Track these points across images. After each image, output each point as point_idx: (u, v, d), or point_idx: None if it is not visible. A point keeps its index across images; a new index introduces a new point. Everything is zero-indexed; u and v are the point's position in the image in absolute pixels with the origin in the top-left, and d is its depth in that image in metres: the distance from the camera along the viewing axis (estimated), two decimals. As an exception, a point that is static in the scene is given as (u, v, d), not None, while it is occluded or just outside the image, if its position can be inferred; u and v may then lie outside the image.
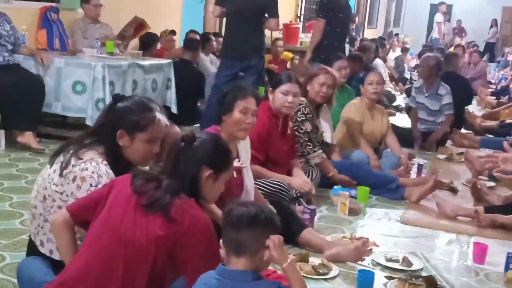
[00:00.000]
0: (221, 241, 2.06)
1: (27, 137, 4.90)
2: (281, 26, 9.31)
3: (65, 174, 2.33)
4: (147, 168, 2.61)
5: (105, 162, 2.35)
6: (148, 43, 6.93)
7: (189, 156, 2.12)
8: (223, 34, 6.74)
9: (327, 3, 6.50)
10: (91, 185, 2.28)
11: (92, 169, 2.30)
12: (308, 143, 4.16)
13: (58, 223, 2.17)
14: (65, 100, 5.12)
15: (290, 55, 9.29)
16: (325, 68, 4.49)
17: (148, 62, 5.82)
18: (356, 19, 14.25)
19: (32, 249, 2.51)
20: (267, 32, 6.45)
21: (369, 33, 16.73)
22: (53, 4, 6.12)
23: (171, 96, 6.07)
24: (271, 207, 2.84)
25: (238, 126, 3.12)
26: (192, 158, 2.13)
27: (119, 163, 2.40)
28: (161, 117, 2.46)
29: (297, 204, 3.71)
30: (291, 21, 11.15)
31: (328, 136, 4.55)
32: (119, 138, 2.38)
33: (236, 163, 2.94)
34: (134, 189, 2.07)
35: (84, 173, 2.29)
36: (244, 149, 3.31)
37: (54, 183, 2.35)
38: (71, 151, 2.37)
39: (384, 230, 3.74)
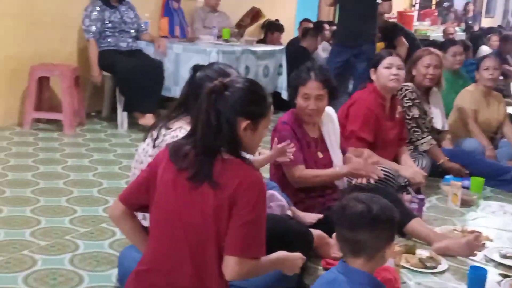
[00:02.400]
0: (333, 235, 1.81)
1: (148, 119, 4.93)
2: (395, 14, 8.89)
3: (157, 144, 2.27)
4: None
5: None
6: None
7: (222, 109, 1.79)
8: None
9: None
10: None
11: (182, 136, 2.20)
12: (416, 129, 3.83)
13: (116, 215, 1.98)
14: (183, 84, 5.07)
15: (404, 43, 8.83)
16: (428, 49, 4.12)
17: (260, 48, 5.69)
18: (471, 6, 13.37)
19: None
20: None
21: (487, 22, 15.63)
22: (176, -6, 6.14)
23: (282, 82, 5.91)
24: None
25: (302, 111, 2.95)
26: (225, 110, 1.78)
27: None
28: None
29: (404, 193, 3.39)
30: (405, 9, 10.74)
31: (438, 122, 4.16)
32: None
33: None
34: (177, 166, 1.82)
35: (175, 140, 2.20)
36: (331, 130, 3.10)
37: (149, 154, 2.31)
38: (161, 124, 2.32)
39: (498, 224, 3.34)
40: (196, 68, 2.37)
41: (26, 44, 4.75)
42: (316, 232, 2.62)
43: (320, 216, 2.79)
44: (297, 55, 6.11)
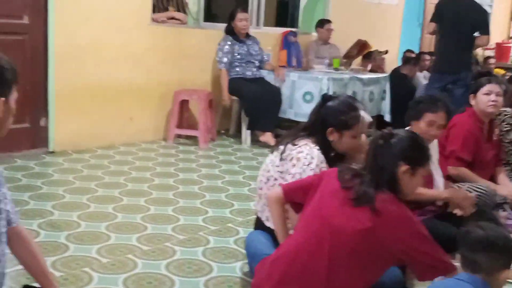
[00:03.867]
0: (457, 255, 1.81)
1: (267, 137, 5.03)
2: (493, 45, 8.40)
3: (284, 158, 2.33)
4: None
5: (317, 147, 2.30)
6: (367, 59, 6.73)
7: (386, 153, 1.86)
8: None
9: None
10: (304, 164, 2.24)
11: (306, 152, 2.28)
12: (514, 152, 3.58)
13: (272, 197, 2.12)
14: (297, 107, 5.14)
15: (502, 71, 8.33)
16: None
17: (367, 76, 5.61)
18: None
19: (259, 224, 2.51)
20: (478, 50, 5.82)
21: None
22: (293, 29, 6.24)
23: (386, 106, 5.78)
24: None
25: (422, 135, 2.77)
26: (389, 154, 1.86)
27: (328, 152, 2.34)
28: (365, 114, 2.34)
29: (501, 210, 3.18)
30: (503, 40, 10.07)
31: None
32: (329, 134, 2.31)
33: None
34: (342, 184, 1.89)
35: (299, 155, 2.28)
36: (434, 151, 2.93)
37: (275, 165, 2.37)
38: (288, 140, 2.37)
39: None
40: (325, 97, 2.38)
41: (173, 73, 5.02)
42: None
43: None
44: (398, 81, 5.96)
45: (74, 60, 4.26)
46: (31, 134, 4.09)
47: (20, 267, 1.74)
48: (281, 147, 2.38)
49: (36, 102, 4.07)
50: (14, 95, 1.48)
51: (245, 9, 5.37)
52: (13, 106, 1.48)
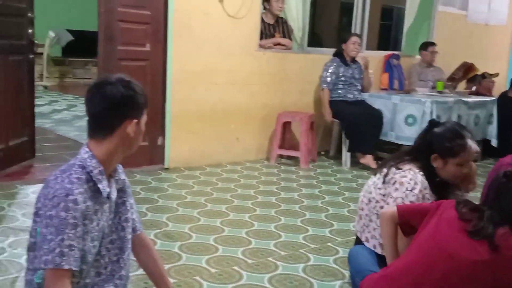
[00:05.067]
0: None
1: (368, 159, 5.03)
2: None
3: (387, 181, 2.34)
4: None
5: (421, 173, 2.29)
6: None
7: (510, 191, 1.82)
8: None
9: None
10: (407, 189, 2.24)
11: (410, 177, 2.27)
12: None
13: (386, 216, 2.11)
14: (398, 130, 5.10)
15: None
16: None
17: (472, 99, 5.42)
18: None
19: (358, 244, 2.54)
20: None
21: None
22: (396, 52, 6.21)
23: (492, 131, 5.53)
24: None
25: None
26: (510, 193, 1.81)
27: (432, 178, 2.30)
28: (472, 143, 2.27)
29: None
30: None
31: None
32: (433, 161, 2.29)
33: None
34: (460, 216, 1.86)
35: (403, 179, 2.28)
36: None
37: (377, 187, 2.39)
38: (392, 164, 2.38)
39: None
40: (432, 123, 2.37)
41: (276, 96, 5.21)
42: None
43: None
44: (506, 105, 5.68)
45: (188, 85, 4.60)
46: (149, 152, 4.46)
47: (140, 272, 1.91)
48: (385, 170, 2.40)
49: (155, 123, 4.44)
50: (144, 118, 1.69)
51: (358, 34, 5.46)
52: (143, 128, 1.69)
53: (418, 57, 6.28)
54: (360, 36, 5.50)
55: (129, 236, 1.78)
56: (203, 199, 3.86)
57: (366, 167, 5.00)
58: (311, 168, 5.02)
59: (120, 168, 1.80)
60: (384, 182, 2.36)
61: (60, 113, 7.13)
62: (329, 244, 3.14)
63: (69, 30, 9.94)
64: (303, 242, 3.16)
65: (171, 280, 2.49)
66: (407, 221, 2.07)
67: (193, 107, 4.66)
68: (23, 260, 2.61)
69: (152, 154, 4.49)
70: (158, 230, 3.18)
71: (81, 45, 9.98)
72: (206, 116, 4.76)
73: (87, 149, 1.63)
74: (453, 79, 6.33)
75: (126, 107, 1.61)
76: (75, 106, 7.86)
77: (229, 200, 3.88)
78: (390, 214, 2.10)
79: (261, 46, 5.09)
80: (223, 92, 4.85)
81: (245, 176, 4.56)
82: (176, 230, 3.21)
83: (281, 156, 5.19)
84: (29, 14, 4.21)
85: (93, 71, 10.65)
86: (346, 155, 5.15)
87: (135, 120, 1.63)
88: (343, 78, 5.23)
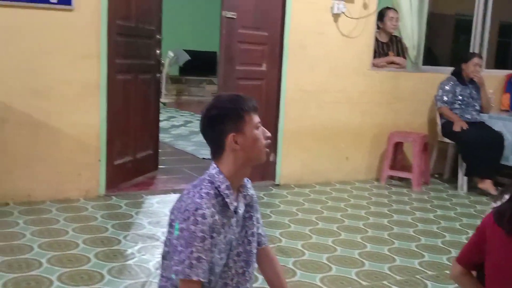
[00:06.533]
0: None
1: (486, 184, 4.73)
2: None
3: None
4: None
5: None
6: None
7: None
8: None
9: None
10: None
11: None
12: None
13: (455, 275, 1.93)
14: (521, 154, 4.75)
15: None
16: None
17: None
18: None
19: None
20: None
21: None
22: (518, 72, 5.79)
23: None
24: None
25: None
26: None
27: None
28: None
29: None
30: None
31: None
32: None
33: None
34: (504, 230, 1.66)
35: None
36: None
37: None
38: None
39: None
40: None
41: (387, 115, 5.09)
42: None
43: None
44: None
45: (300, 103, 4.63)
46: (261, 168, 4.54)
47: (257, 284, 1.94)
48: (506, 197, 2.25)
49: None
50: (250, 125, 1.68)
51: (480, 55, 5.19)
52: (251, 135, 1.68)
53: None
54: (481, 57, 5.21)
55: (255, 250, 1.82)
56: (314, 216, 3.84)
57: (484, 193, 4.69)
58: (424, 191, 4.81)
59: (249, 183, 1.84)
60: None
61: (178, 129, 7.51)
62: (447, 271, 2.97)
63: (185, 50, 10.50)
64: (419, 267, 3.03)
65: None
66: (473, 263, 1.87)
67: (305, 125, 4.68)
68: (151, 265, 2.76)
69: (264, 170, 4.57)
70: (272, 245, 3.21)
71: (197, 65, 10.48)
72: (317, 134, 4.76)
73: (214, 165, 1.70)
74: None
75: (222, 124, 1.65)
76: (191, 122, 8.25)
77: (340, 219, 3.83)
78: (458, 272, 1.90)
79: (374, 65, 5.01)
80: (334, 111, 4.82)
81: (355, 196, 4.48)
82: (290, 246, 3.22)
83: (391, 177, 5.05)
84: (157, 36, 4.51)
85: (207, 89, 11.16)
86: (462, 179, 4.89)
87: (233, 134, 1.65)
88: (460, 97, 4.99)
